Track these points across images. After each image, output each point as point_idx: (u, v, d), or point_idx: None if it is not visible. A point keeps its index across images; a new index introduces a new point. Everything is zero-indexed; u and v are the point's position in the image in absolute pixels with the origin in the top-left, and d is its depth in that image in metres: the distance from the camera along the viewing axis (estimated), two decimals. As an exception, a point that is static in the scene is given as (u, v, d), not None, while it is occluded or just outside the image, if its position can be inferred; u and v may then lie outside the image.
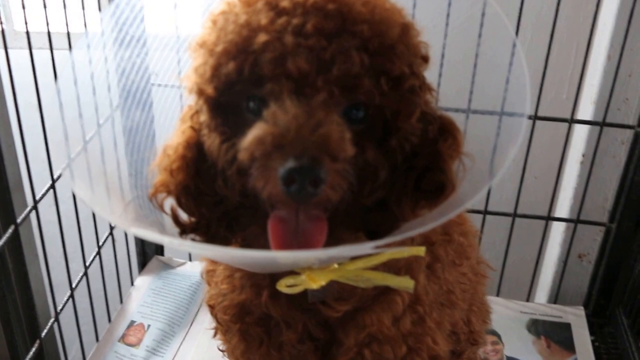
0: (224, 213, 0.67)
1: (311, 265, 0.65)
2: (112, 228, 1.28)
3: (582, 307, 1.36)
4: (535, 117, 1.21)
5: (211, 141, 0.63)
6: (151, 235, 0.61)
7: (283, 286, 0.65)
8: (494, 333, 1.26)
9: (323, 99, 0.56)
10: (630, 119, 1.26)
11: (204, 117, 0.63)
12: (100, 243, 1.24)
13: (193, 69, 0.62)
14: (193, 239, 0.69)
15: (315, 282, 0.63)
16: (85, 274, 1.18)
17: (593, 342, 1.28)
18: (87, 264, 1.19)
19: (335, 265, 0.65)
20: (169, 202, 0.69)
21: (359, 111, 0.59)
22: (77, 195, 0.61)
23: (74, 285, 1.14)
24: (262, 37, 0.56)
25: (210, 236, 0.68)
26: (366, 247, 0.54)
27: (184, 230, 0.69)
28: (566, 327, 1.31)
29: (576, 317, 1.33)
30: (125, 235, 1.36)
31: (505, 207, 1.32)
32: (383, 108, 0.60)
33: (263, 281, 0.71)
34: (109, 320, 1.32)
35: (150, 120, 1.28)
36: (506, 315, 1.32)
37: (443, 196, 0.63)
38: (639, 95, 1.24)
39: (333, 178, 0.55)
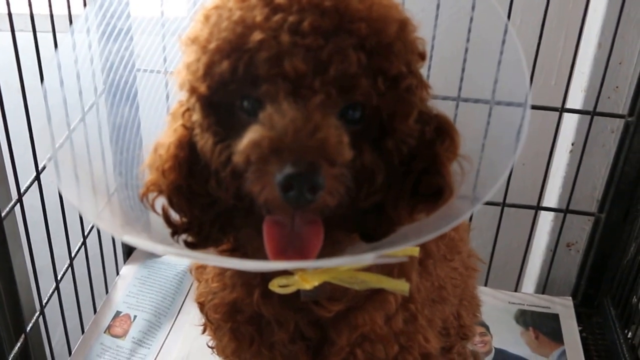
0: (217, 214, 0.65)
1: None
2: (97, 217, 1.26)
3: (570, 298, 1.36)
4: (526, 106, 1.19)
5: (204, 141, 0.61)
6: (145, 244, 0.59)
7: (275, 286, 0.64)
8: (482, 324, 1.26)
9: (320, 100, 0.55)
10: (620, 107, 1.25)
11: (196, 116, 0.61)
12: (86, 233, 1.22)
13: (185, 65, 0.60)
14: (185, 241, 0.67)
15: (308, 282, 0.62)
16: (71, 265, 1.17)
17: (581, 332, 1.28)
18: (73, 254, 1.17)
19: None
20: (160, 202, 0.68)
21: (356, 112, 0.58)
22: (64, 195, 0.59)
23: (59, 277, 1.12)
24: (257, 36, 0.54)
25: (202, 237, 0.66)
26: (366, 258, 0.52)
27: (176, 231, 0.67)
28: (554, 318, 1.31)
29: (564, 308, 1.33)
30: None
31: (494, 196, 1.31)
32: (380, 109, 0.58)
33: (254, 280, 0.70)
34: (95, 310, 1.30)
35: (138, 118, 1.26)
36: (494, 305, 1.32)
37: (441, 201, 0.62)
38: (629, 83, 1.24)
39: (331, 183, 0.54)
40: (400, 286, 0.65)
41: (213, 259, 0.60)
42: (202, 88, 0.58)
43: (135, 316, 1.30)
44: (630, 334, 1.23)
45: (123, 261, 1.45)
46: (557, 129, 1.23)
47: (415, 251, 0.64)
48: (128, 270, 1.42)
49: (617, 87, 1.25)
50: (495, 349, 1.22)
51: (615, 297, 1.29)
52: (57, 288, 1.11)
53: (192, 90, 0.60)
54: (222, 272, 0.73)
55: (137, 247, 0.59)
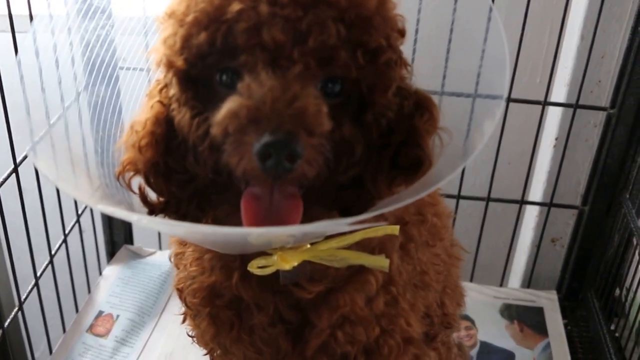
0: (195, 192, 0.65)
1: (284, 245, 0.63)
2: (79, 216, 1.25)
3: (554, 291, 1.37)
4: (508, 100, 1.20)
5: (181, 116, 0.60)
6: (118, 213, 0.58)
7: (254, 267, 0.63)
8: (467, 318, 1.26)
9: (299, 71, 0.55)
10: (603, 101, 1.26)
11: (173, 91, 0.61)
12: (67, 231, 1.21)
13: (162, 40, 0.60)
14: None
15: (288, 262, 0.62)
16: (51, 262, 1.15)
17: (565, 325, 1.28)
18: (53, 252, 1.16)
19: (308, 245, 0.64)
20: (137, 181, 0.67)
21: (335, 85, 0.58)
22: (40, 170, 0.58)
23: (38, 274, 1.11)
24: (235, 6, 0.54)
25: (180, 216, 0.66)
26: (341, 223, 0.52)
27: (153, 210, 0.66)
28: (539, 312, 1.31)
29: (549, 301, 1.34)
30: (93, 223, 1.33)
31: (478, 191, 1.31)
32: (359, 82, 0.58)
33: (233, 263, 0.69)
34: (77, 310, 1.29)
35: (116, 95, 1.25)
36: (480, 300, 1.32)
37: (420, 172, 0.62)
38: (611, 77, 1.24)
39: (309, 153, 0.54)
40: (380, 262, 0.64)
41: (186, 226, 0.60)
42: (179, 62, 0.58)
43: (118, 315, 1.29)
44: (613, 326, 1.23)
45: (106, 261, 1.43)
46: (541, 123, 1.23)
47: (395, 229, 0.63)
48: (111, 271, 1.40)
49: (599, 80, 1.26)
50: (481, 342, 1.22)
51: (599, 290, 1.29)
52: (36, 284, 1.10)
53: (169, 65, 0.60)
54: (201, 256, 0.72)
55: (112, 215, 0.58)
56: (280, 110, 0.52)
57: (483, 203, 1.31)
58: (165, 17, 0.59)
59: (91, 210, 1.30)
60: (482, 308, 1.29)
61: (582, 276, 1.34)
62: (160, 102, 0.64)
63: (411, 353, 0.74)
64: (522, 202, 1.31)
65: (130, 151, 0.65)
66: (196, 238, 0.69)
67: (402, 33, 0.62)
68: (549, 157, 1.36)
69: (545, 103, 1.21)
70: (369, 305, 0.69)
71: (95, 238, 1.34)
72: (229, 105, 0.54)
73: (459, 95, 1.09)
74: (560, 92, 1.31)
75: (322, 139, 0.55)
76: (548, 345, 1.22)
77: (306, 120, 0.53)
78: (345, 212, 0.63)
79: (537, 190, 1.42)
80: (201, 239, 0.68)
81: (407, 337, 0.73)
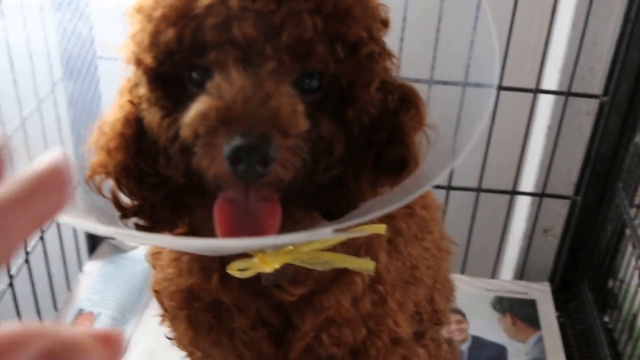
0: (169, 195, 0.61)
1: (264, 249, 0.60)
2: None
3: (547, 283, 1.34)
4: (499, 88, 1.16)
5: (151, 116, 0.57)
6: (83, 224, 0.55)
7: (234, 270, 0.60)
8: (458, 312, 1.23)
9: (272, 68, 0.52)
10: (595, 89, 1.23)
11: (143, 90, 0.58)
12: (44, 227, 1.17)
13: (130, 36, 0.56)
14: (136, 224, 0.63)
15: (269, 265, 0.59)
16: (27, 260, 1.11)
17: (558, 317, 1.26)
18: (29, 248, 1.12)
19: (290, 247, 0.61)
20: (109, 184, 0.64)
21: (313, 80, 0.55)
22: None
23: (13, 272, 1.07)
24: (204, 0, 0.51)
25: (154, 220, 0.62)
26: (325, 232, 0.49)
27: (126, 213, 0.63)
28: (531, 304, 1.28)
29: (541, 293, 1.31)
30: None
31: (468, 182, 1.28)
32: (339, 77, 0.55)
33: (212, 264, 0.66)
34: (55, 309, 1.25)
35: (94, 88, 1.21)
36: (471, 293, 1.29)
37: (405, 172, 0.59)
38: (603, 64, 1.21)
39: (284, 155, 0.51)
40: (365, 265, 0.61)
41: (155, 239, 0.57)
42: (148, 59, 0.55)
43: (99, 313, 1.25)
44: (607, 318, 1.21)
45: (87, 256, 1.39)
46: (532, 111, 1.20)
47: (382, 229, 0.60)
48: (92, 267, 1.36)
49: (591, 68, 1.23)
50: (472, 336, 1.19)
51: (592, 282, 1.27)
52: (10, 284, 1.06)
53: (138, 63, 0.56)
54: (179, 257, 0.68)
55: (76, 227, 0.54)
56: (252, 110, 0.49)
57: (473, 194, 1.28)
58: (133, 12, 0.56)
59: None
60: (473, 301, 1.26)
61: (575, 267, 1.31)
62: (130, 101, 0.60)
63: (399, 354, 0.71)
64: (514, 192, 1.28)
65: (99, 154, 0.61)
66: (170, 246, 0.66)
67: (385, 23, 0.59)
68: (540, 146, 1.33)
69: (537, 91, 1.18)
70: (355, 305, 0.66)
71: (74, 232, 1.30)
72: (198, 106, 0.51)
73: (448, 83, 1.07)
74: (551, 79, 1.28)
75: (298, 139, 0.52)
76: (541, 339, 1.19)
77: (280, 121, 0.50)
78: (327, 214, 0.60)
79: (528, 180, 1.40)
80: (175, 247, 0.65)
81: (395, 337, 0.70)
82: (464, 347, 1.17)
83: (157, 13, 0.53)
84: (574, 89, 1.19)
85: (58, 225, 1.22)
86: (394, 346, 0.70)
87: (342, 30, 0.53)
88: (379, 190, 0.60)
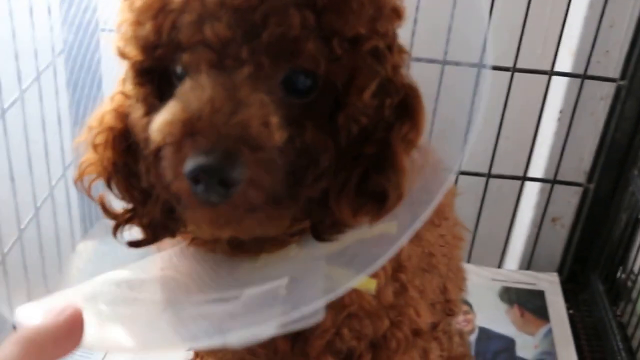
0: (159, 197, 0.55)
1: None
2: (51, 188, 1.17)
3: (555, 274, 1.30)
4: (513, 69, 1.12)
5: (134, 114, 0.53)
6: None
7: None
8: (465, 302, 1.19)
9: (248, 73, 0.47)
10: (610, 72, 1.18)
11: (133, 87, 0.53)
12: (38, 204, 1.12)
13: (116, 25, 0.52)
14: (130, 242, 0.59)
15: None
16: (19, 238, 1.07)
17: (567, 309, 1.22)
18: (23, 226, 1.07)
19: (295, 255, 0.57)
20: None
21: (307, 79, 0.49)
22: None
23: (5, 251, 1.03)
24: None
25: (152, 227, 0.57)
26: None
27: (118, 222, 0.58)
28: (540, 295, 1.24)
29: (550, 284, 1.27)
30: (68, 196, 1.24)
31: (478, 167, 1.24)
32: (335, 76, 0.49)
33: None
34: (48, 291, 1.20)
35: (97, 61, 1.17)
36: (477, 283, 1.25)
37: (384, 209, 0.52)
38: (620, 47, 1.17)
39: (255, 172, 0.46)
40: (367, 285, 0.57)
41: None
42: (132, 53, 0.50)
43: (92, 295, 1.21)
44: (619, 311, 1.17)
45: (80, 237, 1.35)
46: (546, 94, 1.16)
47: (393, 227, 0.54)
48: (85, 247, 1.31)
49: (607, 51, 1.18)
50: (479, 327, 1.15)
51: (604, 273, 1.23)
52: (2, 262, 1.02)
53: (123, 55, 0.52)
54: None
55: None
56: (218, 124, 0.45)
57: (480, 179, 1.24)
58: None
59: (66, 182, 1.22)
60: (480, 291, 1.22)
61: (585, 258, 1.27)
62: (122, 93, 0.55)
63: (420, 346, 0.67)
64: (525, 178, 1.24)
65: (88, 151, 0.57)
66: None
67: (397, 13, 0.52)
68: (552, 131, 1.29)
69: (552, 73, 1.14)
70: (377, 297, 0.61)
71: (69, 210, 1.25)
72: (163, 115, 0.47)
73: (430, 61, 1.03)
74: (565, 63, 1.23)
75: (274, 153, 0.47)
76: (550, 331, 1.15)
77: (250, 135, 0.45)
78: (314, 229, 0.55)
79: (537, 167, 1.35)
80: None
81: (416, 328, 0.66)
82: (471, 338, 1.13)
83: (137, 4, 0.49)
84: (589, 73, 1.15)
85: (53, 205, 1.17)
86: (414, 338, 0.66)
87: (338, 25, 0.47)
88: (360, 218, 0.53)
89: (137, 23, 0.49)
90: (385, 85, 0.52)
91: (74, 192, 1.29)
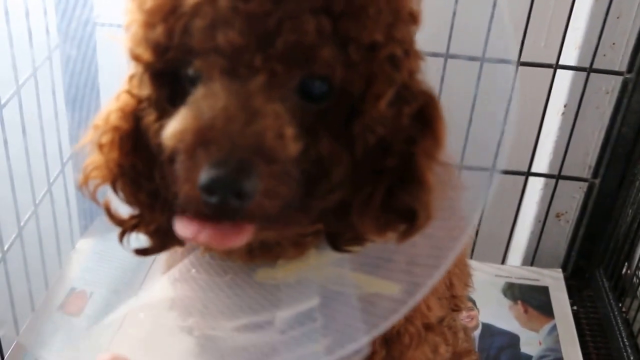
0: (169, 203, 0.53)
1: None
2: (50, 184, 1.15)
3: (560, 270, 1.29)
4: (518, 63, 1.10)
5: (147, 118, 0.51)
6: None
7: (260, 278, 0.57)
8: (468, 298, 1.18)
9: (262, 81, 0.45)
10: (617, 65, 1.17)
11: (146, 90, 0.51)
12: (37, 201, 1.11)
13: (126, 25, 0.50)
14: (137, 250, 0.57)
15: (289, 276, 0.56)
16: (19, 235, 1.06)
17: (571, 305, 1.21)
18: (22, 223, 1.06)
19: (314, 262, 0.56)
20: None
21: (323, 84, 0.47)
22: None
23: (5, 248, 1.02)
24: None
25: (160, 234, 0.56)
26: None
27: (124, 229, 0.56)
28: (544, 291, 1.23)
29: (554, 280, 1.26)
30: (66, 192, 1.23)
31: (481, 162, 1.22)
32: (352, 83, 0.48)
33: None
34: (47, 287, 1.20)
35: (91, 55, 1.15)
36: (481, 279, 1.24)
37: (414, 228, 0.51)
38: (627, 39, 1.15)
39: (269, 184, 0.45)
40: (390, 289, 0.55)
41: None
42: (144, 55, 0.49)
43: (92, 293, 1.19)
44: (624, 307, 1.16)
45: (79, 234, 1.34)
46: (551, 88, 1.14)
47: (393, 288, 0.54)
48: (85, 244, 1.31)
49: (613, 43, 1.17)
50: (483, 323, 1.14)
51: (609, 269, 1.22)
52: (2, 259, 1.00)
53: (134, 57, 0.50)
54: None
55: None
56: (232, 134, 0.44)
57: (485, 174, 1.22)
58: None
59: (64, 178, 1.20)
60: (483, 287, 1.21)
61: (590, 254, 1.26)
62: (128, 91, 0.53)
63: (431, 341, 0.66)
64: (528, 173, 1.23)
65: (93, 153, 0.55)
66: None
67: (414, 18, 0.50)
68: (556, 125, 1.27)
69: (557, 67, 1.12)
70: None
71: (68, 208, 1.24)
72: (176, 123, 0.46)
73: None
74: (570, 56, 1.22)
75: (287, 164, 0.46)
76: (554, 328, 1.14)
77: (264, 147, 0.44)
78: (331, 237, 0.54)
79: (541, 162, 1.34)
80: None
81: (427, 322, 0.65)
82: (475, 334, 1.12)
83: (147, 5, 0.47)
84: (595, 66, 1.13)
85: (52, 201, 1.16)
86: (426, 332, 0.65)
87: (354, 31, 0.46)
88: (386, 235, 0.53)
89: (148, 25, 0.47)
90: (401, 93, 0.50)
91: (72, 188, 1.27)
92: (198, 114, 0.45)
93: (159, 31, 0.46)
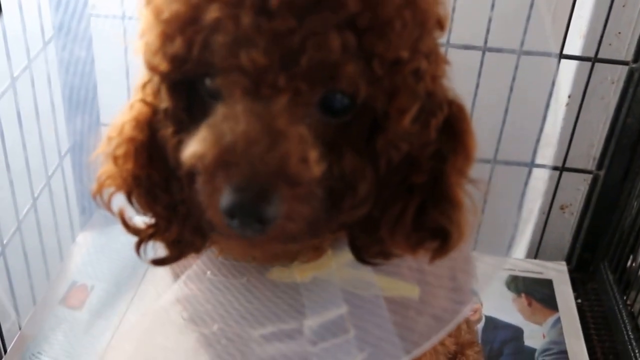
0: (185, 213, 0.53)
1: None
2: (48, 177, 1.15)
3: (564, 263, 1.28)
4: (519, 53, 1.09)
5: (164, 130, 0.50)
6: None
7: (274, 276, 0.57)
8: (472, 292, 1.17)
9: (285, 101, 0.44)
10: (622, 55, 1.15)
11: (163, 102, 0.50)
12: (36, 194, 1.10)
13: (140, 33, 0.49)
14: (154, 260, 0.56)
15: (304, 275, 0.56)
16: (19, 229, 1.05)
17: (576, 298, 1.20)
18: (21, 217, 1.06)
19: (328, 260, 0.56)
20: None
21: (344, 97, 0.46)
22: None
23: (5, 242, 1.02)
24: (213, 12, 0.43)
25: (176, 244, 0.55)
26: None
27: (141, 239, 0.55)
28: (547, 284, 1.23)
29: (558, 273, 1.25)
30: (65, 185, 1.22)
31: (483, 153, 1.21)
32: (375, 98, 0.47)
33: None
34: (48, 281, 1.19)
35: (87, 47, 1.14)
36: (484, 271, 1.23)
37: (447, 247, 0.51)
38: (633, 28, 1.13)
39: (291, 207, 0.45)
40: (411, 292, 0.57)
41: None
42: (163, 65, 0.47)
43: (93, 286, 1.19)
44: (629, 300, 1.14)
45: (79, 227, 1.33)
46: (555, 78, 1.12)
47: (415, 291, 0.56)
48: (85, 238, 1.30)
49: (619, 32, 1.15)
50: (486, 317, 1.14)
51: (613, 261, 1.21)
52: (2, 253, 1.00)
53: (152, 68, 0.48)
54: None
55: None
56: (253, 159, 0.43)
57: (485, 166, 1.21)
58: (144, 2, 0.48)
59: (62, 171, 1.20)
60: (486, 279, 1.20)
61: (595, 246, 1.25)
62: (143, 100, 0.52)
63: None
64: (532, 165, 1.21)
65: (107, 163, 0.54)
66: None
67: (441, 25, 0.49)
68: (560, 116, 1.26)
69: (562, 56, 1.10)
70: None
71: (67, 201, 1.24)
72: (196, 145, 0.45)
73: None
74: (574, 45, 1.20)
75: (312, 186, 0.45)
76: (558, 321, 1.14)
77: (288, 171, 0.43)
78: (355, 249, 0.54)
79: (545, 153, 1.33)
80: None
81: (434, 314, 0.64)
82: (478, 328, 1.11)
83: (165, 15, 0.45)
84: (600, 55, 1.12)
85: (50, 195, 1.16)
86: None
87: (379, 47, 0.45)
88: (419, 252, 0.53)
89: (166, 36, 0.46)
90: (426, 105, 0.49)
91: (71, 181, 1.27)
92: (219, 137, 0.44)
93: (177, 44, 0.45)
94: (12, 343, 1.06)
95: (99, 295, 1.17)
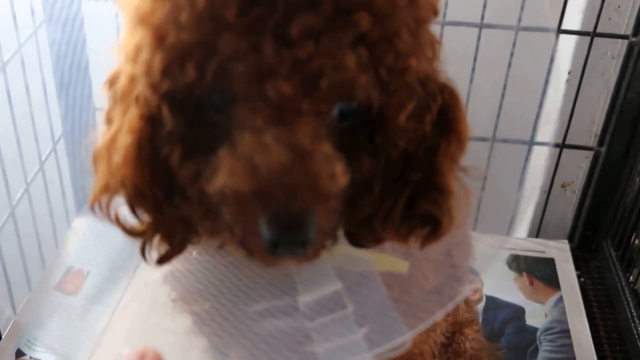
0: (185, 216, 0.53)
1: None
2: (42, 163, 1.13)
3: (566, 241, 1.27)
4: (517, 28, 1.07)
5: (169, 150, 0.49)
6: None
7: None
8: (471, 271, 1.16)
9: (309, 124, 0.45)
10: (622, 28, 1.14)
11: (167, 124, 0.48)
12: (29, 179, 1.09)
13: (134, 47, 0.47)
14: (159, 259, 0.55)
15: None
16: (12, 214, 1.04)
17: (578, 277, 1.19)
18: (14, 203, 1.05)
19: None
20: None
21: (351, 104, 0.47)
22: None
23: (-1, 226, 1.01)
24: (229, 41, 0.42)
25: (176, 242, 0.54)
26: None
27: (144, 242, 0.55)
28: (550, 263, 1.21)
29: (560, 252, 1.24)
30: (59, 171, 1.21)
31: (482, 131, 1.20)
32: (381, 101, 0.48)
33: None
34: (43, 266, 1.18)
35: (78, 31, 1.12)
36: (485, 251, 1.22)
37: (438, 234, 0.52)
38: (632, 1, 1.12)
39: (324, 221, 0.46)
40: (401, 266, 0.57)
41: None
42: (165, 85, 0.46)
43: (89, 271, 1.18)
44: (632, 277, 1.13)
45: (75, 212, 1.32)
46: (554, 54, 1.11)
47: (405, 266, 0.57)
48: (80, 223, 1.29)
49: (619, 6, 1.13)
50: (487, 296, 1.13)
51: (616, 239, 1.19)
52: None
53: (153, 88, 0.47)
54: None
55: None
56: (290, 187, 0.44)
57: (484, 144, 1.19)
58: (134, 17, 0.46)
59: (56, 156, 1.18)
60: (487, 260, 1.19)
61: (597, 224, 1.24)
62: (141, 116, 0.49)
63: None
64: (532, 142, 1.20)
65: (103, 179, 0.53)
66: None
67: (435, 12, 0.49)
68: (560, 93, 1.24)
69: (560, 31, 1.09)
70: None
71: (62, 186, 1.22)
72: (227, 177, 0.45)
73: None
74: (573, 20, 1.18)
75: (337, 198, 0.46)
76: (560, 299, 1.13)
77: (321, 190, 0.45)
78: (350, 236, 0.54)
79: (545, 130, 1.31)
80: None
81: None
82: (479, 308, 1.10)
83: (171, 40, 0.43)
84: (599, 30, 1.10)
85: (44, 180, 1.15)
86: None
87: (389, 59, 0.45)
88: (408, 241, 0.54)
89: (172, 61, 0.44)
90: (421, 99, 0.49)
91: (65, 166, 1.26)
92: (253, 169, 0.44)
93: (188, 70, 0.44)
94: (7, 330, 1.06)
95: (95, 281, 1.17)
